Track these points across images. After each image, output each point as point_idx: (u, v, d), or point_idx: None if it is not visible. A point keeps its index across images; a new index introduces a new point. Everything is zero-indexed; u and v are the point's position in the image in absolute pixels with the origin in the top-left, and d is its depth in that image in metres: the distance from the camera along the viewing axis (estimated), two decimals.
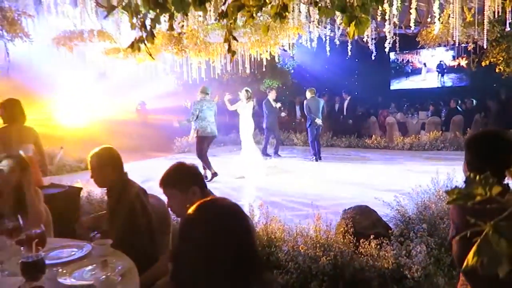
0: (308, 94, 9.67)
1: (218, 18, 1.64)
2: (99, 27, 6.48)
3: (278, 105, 10.31)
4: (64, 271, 1.97)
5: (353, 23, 1.63)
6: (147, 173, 7.36)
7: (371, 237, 3.13)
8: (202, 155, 7.53)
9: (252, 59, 8.38)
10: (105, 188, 2.71)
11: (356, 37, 7.97)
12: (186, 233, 1.15)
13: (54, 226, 2.87)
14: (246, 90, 8.13)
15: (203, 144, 7.58)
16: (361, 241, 3.14)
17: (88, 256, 2.16)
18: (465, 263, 0.63)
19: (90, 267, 2.04)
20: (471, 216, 0.61)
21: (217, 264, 1.09)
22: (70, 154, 9.46)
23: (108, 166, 2.51)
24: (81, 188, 4.63)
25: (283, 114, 11.37)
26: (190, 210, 1.16)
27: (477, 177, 0.65)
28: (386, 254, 2.96)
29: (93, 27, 6.31)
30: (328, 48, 7.96)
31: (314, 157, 9.66)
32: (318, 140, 9.81)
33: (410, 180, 5.65)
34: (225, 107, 8.78)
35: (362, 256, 3.02)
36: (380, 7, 4.74)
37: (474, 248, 0.64)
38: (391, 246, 3.07)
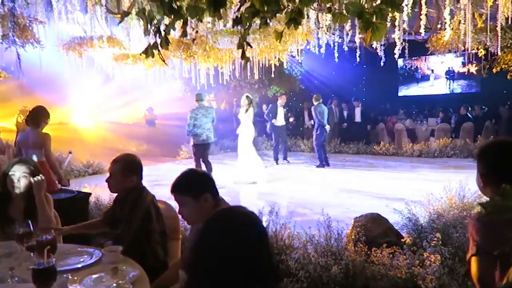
0: (315, 101, 9.69)
1: (232, 24, 1.62)
2: (108, 33, 6.53)
3: (273, 120, 10.26)
4: (75, 278, 1.95)
5: (370, 29, 1.60)
6: (155, 178, 7.37)
7: (384, 245, 3.08)
8: (195, 160, 7.84)
9: (260, 65, 8.39)
10: (115, 194, 2.70)
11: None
12: (203, 243, 1.12)
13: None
14: (247, 96, 8.15)
15: (198, 150, 7.81)
16: (373, 249, 3.09)
17: (99, 263, 2.14)
18: (505, 280, 0.60)
19: (100, 274, 2.01)
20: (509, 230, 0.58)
21: (234, 274, 1.07)
22: (77, 158, 9.51)
23: (132, 174, 2.51)
24: (90, 194, 4.63)
25: (291, 119, 11.40)
26: (207, 220, 1.14)
27: None
28: (399, 264, 2.91)
29: (102, 33, 6.36)
30: (336, 54, 7.94)
31: (320, 163, 9.62)
32: (324, 147, 9.77)
33: (420, 188, 5.58)
34: (232, 113, 8.82)
35: (374, 265, 2.97)
36: (390, 13, 4.70)
37: None
38: (403, 255, 3.02)
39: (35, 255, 1.90)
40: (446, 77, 17.36)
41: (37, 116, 4.52)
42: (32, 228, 2.09)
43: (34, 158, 4.38)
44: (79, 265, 2.11)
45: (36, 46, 5.99)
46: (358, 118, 13.03)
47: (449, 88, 17.39)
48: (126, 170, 2.49)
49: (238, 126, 8.31)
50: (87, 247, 2.39)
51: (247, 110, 7.99)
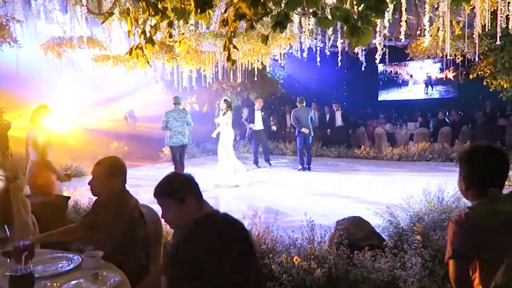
0: (298, 104, 9.74)
1: (219, 26, 1.61)
2: (89, 33, 6.42)
3: (251, 125, 10.31)
4: (54, 285, 1.89)
5: (355, 34, 1.61)
6: (135, 182, 7.26)
7: (366, 248, 3.10)
8: (173, 162, 7.99)
9: (243, 69, 8.40)
10: (95, 197, 2.63)
11: (346, 48, 8.02)
12: (187, 251, 1.09)
13: None
14: (225, 100, 8.24)
15: (171, 152, 8.02)
16: (355, 252, 3.11)
17: (78, 269, 2.09)
18: (493, 283, 0.62)
19: (80, 281, 1.96)
20: (491, 233, 0.60)
21: (217, 275, 1.06)
22: (56, 161, 9.27)
23: (117, 178, 2.46)
24: (68, 197, 4.53)
25: (273, 125, 11.32)
26: (190, 228, 1.11)
27: (501, 194, 0.63)
28: (381, 266, 2.93)
29: (82, 33, 6.24)
30: (318, 59, 8.02)
31: (301, 167, 9.64)
32: (308, 150, 9.78)
33: (401, 191, 5.66)
34: (214, 116, 8.82)
35: (357, 268, 2.99)
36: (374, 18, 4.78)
37: (502, 268, 0.62)
38: (385, 258, 3.05)
39: (12, 261, 1.84)
40: (424, 83, 17.77)
41: (34, 115, 4.63)
42: (8, 233, 2.02)
43: (33, 157, 4.53)
44: (58, 271, 2.05)
45: (13, 46, 5.82)
46: (339, 122, 13.01)
47: (428, 93, 17.79)
48: (109, 173, 2.44)
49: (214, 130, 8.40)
50: (66, 253, 2.33)
51: (225, 113, 8.01)
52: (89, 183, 2.47)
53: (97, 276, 1.96)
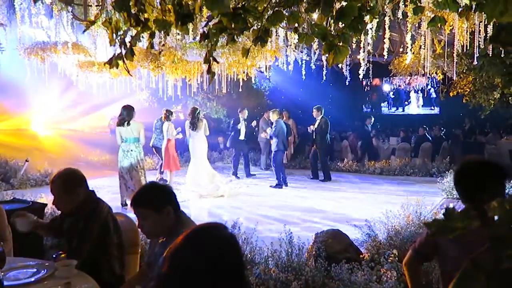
0: (275, 116, 9.08)
1: (199, 39, 1.64)
2: (74, 39, 6.38)
3: (243, 136, 10.19)
4: None
5: (332, 51, 1.66)
6: (116, 189, 7.17)
7: (343, 261, 3.13)
8: None
9: (229, 79, 8.43)
10: None
11: None
12: (178, 266, 1.08)
13: (15, 245, 2.72)
14: (195, 108, 8.01)
15: None
16: (332, 265, 3.13)
17: (51, 278, 2.05)
18: None
19: None
20: (455, 246, 0.62)
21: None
22: (35, 167, 9.10)
23: (76, 188, 2.37)
24: (45, 204, 4.44)
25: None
26: (181, 240, 1.10)
27: (455, 211, 0.66)
28: (357, 279, 2.96)
29: (67, 39, 6.21)
30: (303, 72, 8.12)
31: (279, 184, 9.08)
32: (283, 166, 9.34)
33: (381, 205, 5.73)
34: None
35: (334, 280, 3.01)
36: (354, 36, 4.89)
37: (453, 282, 0.65)
38: (362, 271, 3.08)
39: None
40: (408, 99, 18.15)
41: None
42: None
43: None
44: (30, 280, 2.02)
45: None
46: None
47: (411, 109, 18.16)
48: (68, 186, 2.35)
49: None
50: (39, 260, 2.29)
51: (195, 122, 7.84)
52: (53, 203, 2.38)
53: (69, 285, 1.94)
